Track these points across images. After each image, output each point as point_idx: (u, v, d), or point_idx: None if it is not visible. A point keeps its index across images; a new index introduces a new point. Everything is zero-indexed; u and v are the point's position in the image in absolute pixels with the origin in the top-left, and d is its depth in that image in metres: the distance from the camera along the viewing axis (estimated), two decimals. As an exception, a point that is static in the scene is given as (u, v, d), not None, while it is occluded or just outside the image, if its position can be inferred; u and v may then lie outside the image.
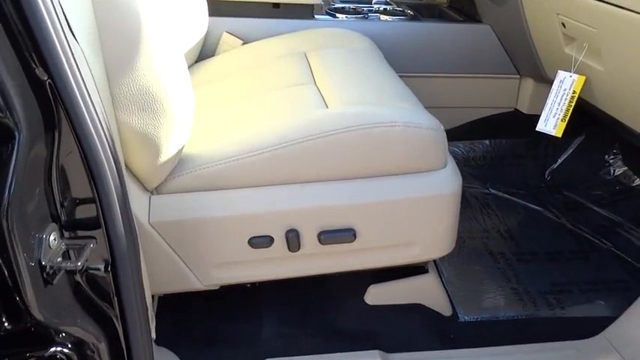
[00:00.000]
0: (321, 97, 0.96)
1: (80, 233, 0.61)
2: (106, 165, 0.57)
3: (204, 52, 1.31)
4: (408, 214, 0.86)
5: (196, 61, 1.28)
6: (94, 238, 0.61)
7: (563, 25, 1.17)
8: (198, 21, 1.22)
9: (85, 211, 0.61)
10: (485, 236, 1.30)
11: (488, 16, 1.42)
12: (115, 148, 0.59)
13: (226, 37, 1.29)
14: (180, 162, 0.82)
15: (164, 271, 0.84)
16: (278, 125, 0.85)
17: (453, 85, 1.48)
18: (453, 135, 1.56)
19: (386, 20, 1.42)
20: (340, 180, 0.84)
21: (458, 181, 0.89)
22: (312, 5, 1.39)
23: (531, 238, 1.31)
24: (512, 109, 1.57)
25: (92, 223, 0.61)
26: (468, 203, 1.47)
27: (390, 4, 1.57)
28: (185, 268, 0.85)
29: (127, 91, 0.68)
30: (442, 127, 0.88)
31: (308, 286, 1.02)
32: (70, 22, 0.57)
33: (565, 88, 1.21)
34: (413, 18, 1.48)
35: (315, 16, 1.40)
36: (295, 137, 0.81)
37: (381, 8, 1.53)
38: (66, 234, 0.60)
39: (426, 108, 1.51)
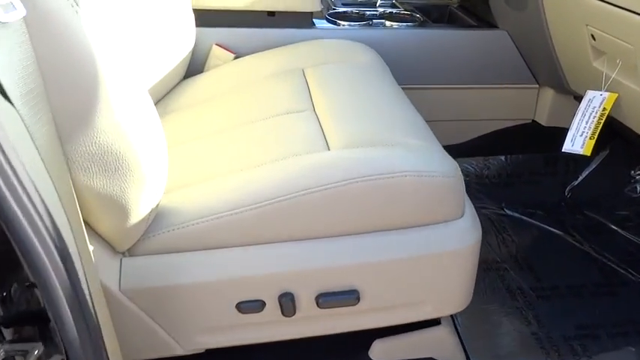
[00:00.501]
0: (321, 131, 0.85)
1: (25, 332, 0.51)
2: (37, 245, 0.46)
3: (193, 67, 1.19)
4: (420, 272, 0.75)
5: (185, 77, 1.16)
6: (42, 338, 0.51)
7: (593, 37, 1.05)
8: (184, 33, 1.10)
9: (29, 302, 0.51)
10: (502, 267, 1.19)
11: (505, 20, 1.29)
12: (52, 223, 0.47)
13: (216, 51, 1.17)
14: (155, 219, 0.71)
15: (140, 338, 0.74)
16: (271, 174, 0.73)
17: (466, 96, 1.36)
18: (465, 150, 1.44)
19: (392, 27, 1.30)
20: (342, 236, 0.73)
21: (477, 232, 0.78)
22: (311, 13, 1.27)
23: (552, 268, 1.20)
24: (530, 121, 1.45)
25: (38, 318, 0.51)
26: (482, 227, 1.36)
27: (397, 7, 1.44)
28: (165, 334, 0.75)
29: (85, 151, 0.56)
30: (459, 170, 0.76)
31: (305, 341, 0.92)
32: (2, 84, 0.45)
33: (594, 105, 1.08)
34: (422, 24, 1.35)
35: (315, 24, 1.28)
36: (290, 190, 0.70)
37: (387, 12, 1.40)
38: (7, 334, 0.50)
39: (436, 121, 1.41)
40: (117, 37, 0.88)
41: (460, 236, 0.75)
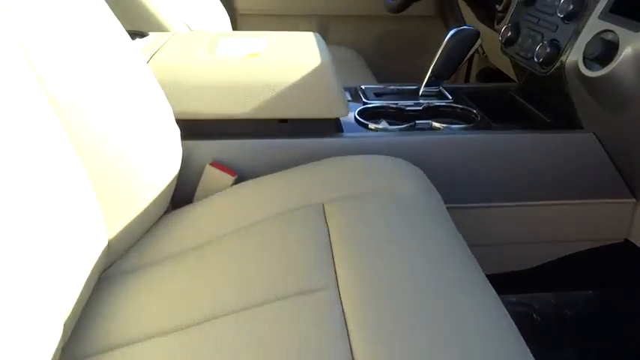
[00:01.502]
0: (346, 333, 0.55)
1: None
2: None
3: (180, 194, 0.92)
4: None
5: (166, 212, 0.89)
6: None
7: None
8: (165, 152, 0.83)
9: None
10: None
11: (594, 121, 0.99)
12: None
13: (211, 172, 0.90)
14: None
15: None
16: None
17: (540, 214, 1.05)
18: (537, 279, 1.12)
19: (441, 130, 1.01)
20: None
21: None
22: (339, 121, 1.00)
23: None
24: (622, 241, 1.13)
25: None
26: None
27: (444, 97, 1.15)
28: None
29: None
30: None
31: None
32: None
33: None
34: (480, 123, 1.05)
35: (342, 127, 1.00)
36: None
37: (432, 105, 1.12)
38: None
39: (501, 244, 1.09)
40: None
41: None
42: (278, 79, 0.89)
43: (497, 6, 1.42)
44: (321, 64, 0.91)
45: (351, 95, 1.18)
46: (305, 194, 0.83)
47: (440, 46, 1.13)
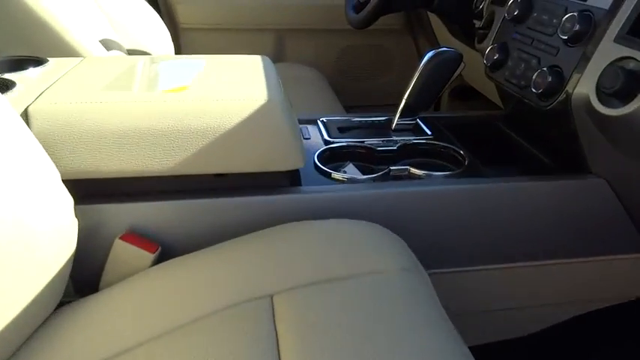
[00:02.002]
0: None
1: None
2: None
3: (87, 275, 0.69)
4: None
5: (69, 300, 0.66)
6: None
7: None
8: (55, 225, 0.61)
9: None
10: None
11: (606, 165, 0.82)
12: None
13: (123, 248, 0.68)
14: None
15: None
16: None
17: (542, 275, 0.87)
18: (543, 344, 0.94)
19: (422, 178, 0.82)
20: None
21: None
22: (297, 171, 0.80)
23: None
24: (634, 299, 0.96)
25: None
26: None
27: (422, 133, 0.96)
28: None
29: None
30: None
31: None
32: None
33: None
34: (469, 167, 0.86)
35: (300, 177, 0.80)
36: None
37: (410, 143, 0.92)
38: None
39: (498, 310, 0.91)
40: None
41: None
42: (212, 123, 0.68)
43: (476, 22, 1.25)
44: (270, 102, 0.70)
45: (309, 132, 0.97)
46: (247, 281, 0.62)
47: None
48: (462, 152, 0.88)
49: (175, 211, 0.71)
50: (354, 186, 0.78)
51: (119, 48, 1.37)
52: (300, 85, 1.59)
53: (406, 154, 0.91)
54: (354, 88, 1.88)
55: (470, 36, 1.25)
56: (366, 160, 0.90)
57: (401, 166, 0.85)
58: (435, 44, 1.64)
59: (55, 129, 0.66)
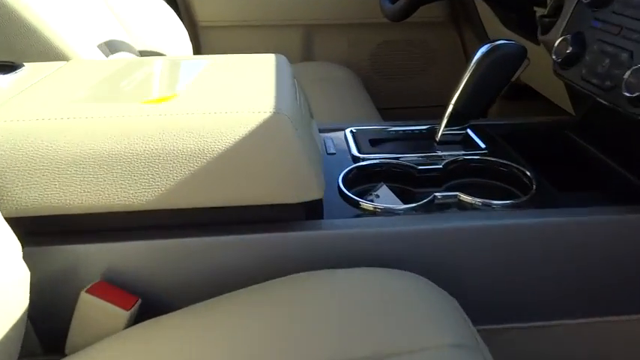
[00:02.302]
0: None
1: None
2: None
3: (52, 335, 0.55)
4: None
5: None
6: None
7: None
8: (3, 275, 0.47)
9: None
10: None
11: None
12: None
13: (90, 304, 0.53)
14: None
15: None
16: None
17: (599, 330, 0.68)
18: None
19: (480, 210, 0.64)
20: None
21: None
22: (302, 205, 0.60)
23: None
24: None
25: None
26: None
27: (478, 148, 0.78)
28: None
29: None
30: None
31: None
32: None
33: None
34: (539, 192, 0.65)
35: (323, 208, 0.63)
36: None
37: (460, 159, 0.74)
38: None
39: None
40: None
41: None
42: (199, 144, 0.52)
43: (537, 9, 1.05)
44: (277, 115, 0.53)
45: (334, 145, 0.81)
46: (250, 355, 0.46)
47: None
48: (527, 172, 0.70)
49: (158, 254, 0.56)
50: (389, 220, 0.61)
51: (129, 50, 1.24)
52: (329, 86, 1.43)
53: (455, 173, 0.73)
54: (391, 89, 1.69)
55: (529, 27, 1.05)
56: (404, 181, 0.73)
57: (448, 191, 0.67)
58: (485, 38, 1.44)
59: (6, 154, 0.52)
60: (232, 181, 0.53)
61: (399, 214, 0.62)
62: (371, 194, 0.73)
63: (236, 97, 0.58)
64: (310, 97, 1.46)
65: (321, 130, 0.86)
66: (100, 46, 1.09)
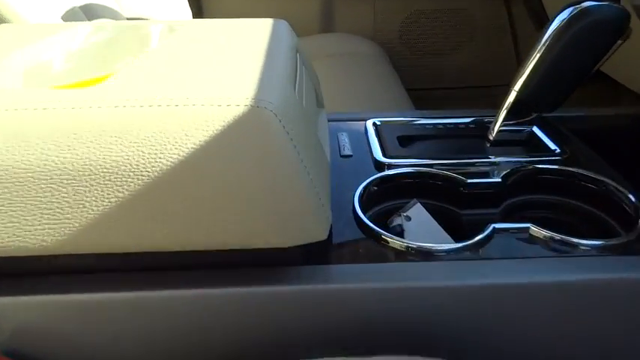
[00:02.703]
0: None
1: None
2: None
3: None
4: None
5: None
6: None
7: None
8: None
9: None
10: None
11: None
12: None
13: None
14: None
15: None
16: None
17: None
18: None
19: (566, 252, 0.43)
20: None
21: None
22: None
23: None
24: None
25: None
26: None
27: (547, 151, 0.58)
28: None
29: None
30: None
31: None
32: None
33: None
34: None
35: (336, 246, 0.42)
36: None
37: (526, 170, 0.54)
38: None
39: None
40: None
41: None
42: (131, 158, 0.33)
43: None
44: (257, 114, 0.33)
45: (351, 144, 0.61)
46: None
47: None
48: (629, 195, 0.49)
49: (82, 312, 0.38)
50: (425, 269, 0.41)
51: (113, 16, 1.05)
52: (351, 63, 1.22)
53: (519, 188, 0.53)
54: (423, 66, 1.46)
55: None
56: (447, 198, 0.53)
57: (508, 213, 0.47)
58: (539, 7, 1.21)
59: None
60: (180, 216, 0.34)
61: (440, 256, 0.43)
62: (399, 215, 0.54)
63: (199, 81, 0.38)
64: (326, 76, 1.25)
65: (333, 121, 0.66)
66: (71, 11, 0.91)
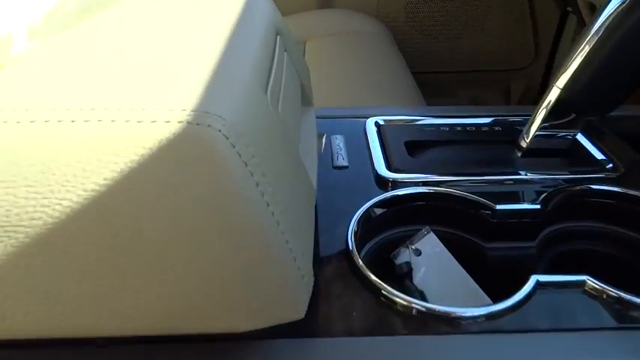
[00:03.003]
0: None
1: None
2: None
3: None
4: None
5: None
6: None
7: None
8: None
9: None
10: None
11: None
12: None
13: None
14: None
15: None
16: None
17: None
18: None
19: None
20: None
21: None
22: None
23: None
24: None
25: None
26: None
27: (598, 166, 0.46)
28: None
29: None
30: None
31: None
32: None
33: None
34: None
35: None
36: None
37: (575, 191, 0.41)
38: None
39: None
40: None
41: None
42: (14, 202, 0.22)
43: None
44: (199, 135, 0.21)
45: (347, 150, 0.49)
46: None
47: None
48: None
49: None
50: (447, 343, 0.30)
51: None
52: (352, 43, 1.10)
53: (561, 214, 0.42)
54: (432, 48, 1.33)
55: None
56: (467, 225, 0.41)
57: (559, 270, 0.35)
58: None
59: None
60: (77, 298, 0.23)
61: (464, 326, 0.31)
62: (406, 247, 0.42)
63: (119, 81, 0.26)
64: (322, 58, 1.12)
65: (325, 118, 0.54)
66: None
